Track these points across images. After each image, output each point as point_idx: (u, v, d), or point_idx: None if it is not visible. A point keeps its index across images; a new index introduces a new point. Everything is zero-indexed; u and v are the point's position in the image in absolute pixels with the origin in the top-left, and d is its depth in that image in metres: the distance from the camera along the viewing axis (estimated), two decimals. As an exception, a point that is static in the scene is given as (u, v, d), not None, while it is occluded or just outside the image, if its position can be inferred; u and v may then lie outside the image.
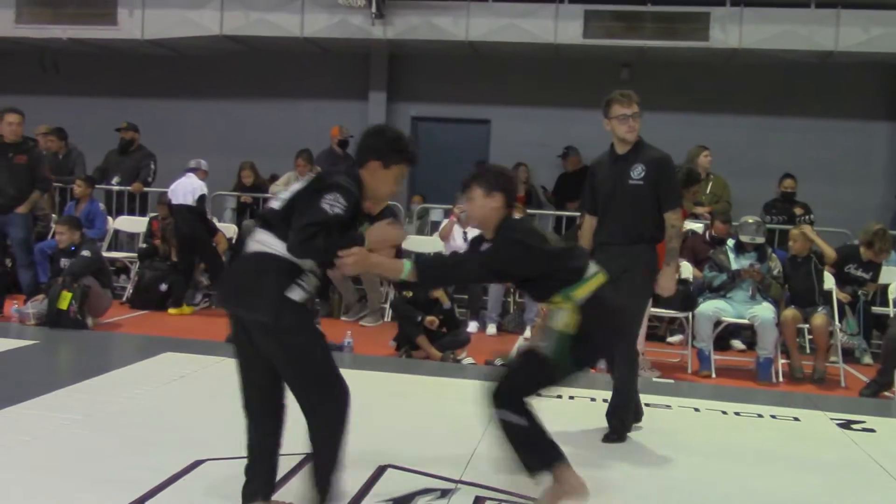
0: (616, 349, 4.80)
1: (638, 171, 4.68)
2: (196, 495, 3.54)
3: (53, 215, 9.87)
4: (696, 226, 7.64)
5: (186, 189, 8.84)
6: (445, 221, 9.29)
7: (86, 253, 7.63)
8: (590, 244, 4.92)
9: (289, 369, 3.07)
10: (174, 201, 8.87)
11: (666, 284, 4.74)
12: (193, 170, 9.08)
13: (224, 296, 3.25)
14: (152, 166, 10.55)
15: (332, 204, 2.96)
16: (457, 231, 8.99)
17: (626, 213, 4.70)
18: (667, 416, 5.50)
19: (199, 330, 7.63)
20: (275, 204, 3.16)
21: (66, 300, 7.27)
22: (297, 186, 3.17)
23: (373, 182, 3.19)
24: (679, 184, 4.83)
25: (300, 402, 3.09)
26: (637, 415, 4.99)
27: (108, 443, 4.14)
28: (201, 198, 8.84)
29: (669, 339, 8.24)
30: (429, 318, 6.92)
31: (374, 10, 10.46)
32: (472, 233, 8.92)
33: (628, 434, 4.81)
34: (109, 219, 10.01)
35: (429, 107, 12.18)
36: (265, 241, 3.06)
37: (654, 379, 6.66)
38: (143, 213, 10.36)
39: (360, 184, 3.15)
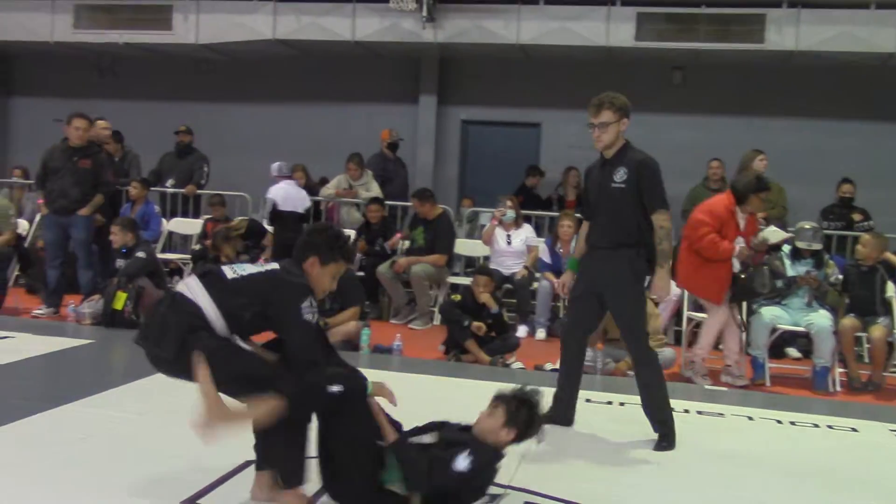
0: (630, 353, 4.86)
1: (620, 175, 4.65)
2: (247, 495, 3.56)
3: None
4: (779, 233, 7.28)
5: (296, 197, 9.01)
6: (487, 225, 9.25)
7: (140, 254, 7.75)
8: (583, 248, 4.98)
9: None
10: (283, 207, 8.94)
11: (660, 286, 4.67)
12: (288, 176, 9.23)
13: (140, 333, 3.36)
14: (205, 169, 10.72)
15: (312, 312, 3.29)
16: (499, 234, 8.94)
17: (611, 216, 4.71)
18: (720, 424, 5.40)
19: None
20: (227, 272, 3.34)
21: (121, 300, 7.40)
22: (251, 269, 3.39)
23: (311, 276, 3.41)
24: (661, 184, 4.67)
25: None
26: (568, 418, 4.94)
27: (160, 441, 4.19)
28: (309, 208, 9.07)
29: (722, 347, 8.08)
30: (476, 323, 6.89)
31: (424, 13, 10.50)
32: (516, 237, 8.93)
33: (677, 442, 4.72)
34: (164, 220, 10.17)
35: (479, 110, 12.19)
36: (195, 294, 3.24)
37: (707, 387, 6.55)
38: (196, 215, 10.52)
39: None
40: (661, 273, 4.64)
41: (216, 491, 3.59)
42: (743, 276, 6.82)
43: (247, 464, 3.92)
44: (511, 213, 8.88)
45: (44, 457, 3.87)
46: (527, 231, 9.08)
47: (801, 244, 6.98)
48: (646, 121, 11.37)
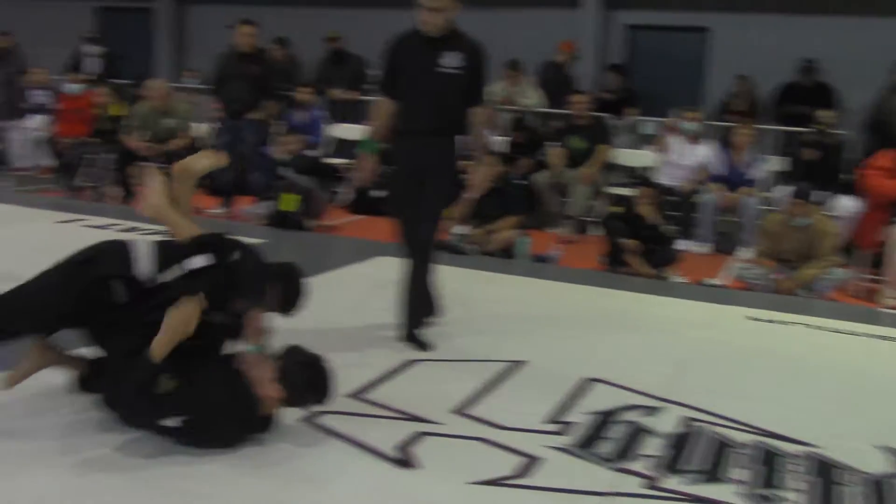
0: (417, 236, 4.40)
1: (455, 60, 4.30)
2: (411, 392, 3.70)
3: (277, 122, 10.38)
4: None
5: None
6: (662, 134, 9.00)
7: (309, 157, 8.02)
8: (386, 130, 4.53)
9: None
10: None
11: (479, 178, 4.65)
12: None
13: None
14: (368, 74, 10.83)
15: None
16: (674, 144, 8.67)
17: (439, 100, 4.32)
18: (878, 346, 5.13)
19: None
20: None
21: (289, 203, 7.71)
22: None
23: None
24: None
25: None
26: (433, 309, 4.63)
27: (330, 338, 4.38)
28: None
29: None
30: (628, 242, 6.76)
31: None
32: (691, 151, 8.60)
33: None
34: (329, 126, 10.41)
35: (646, 14, 11.67)
36: None
37: (879, 308, 6.21)
38: (360, 121, 10.67)
39: None
40: (481, 167, 4.62)
41: (381, 387, 3.76)
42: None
43: (408, 363, 4.08)
44: (689, 125, 8.62)
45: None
46: (704, 149, 8.77)
47: None
48: (836, 24, 10.61)
